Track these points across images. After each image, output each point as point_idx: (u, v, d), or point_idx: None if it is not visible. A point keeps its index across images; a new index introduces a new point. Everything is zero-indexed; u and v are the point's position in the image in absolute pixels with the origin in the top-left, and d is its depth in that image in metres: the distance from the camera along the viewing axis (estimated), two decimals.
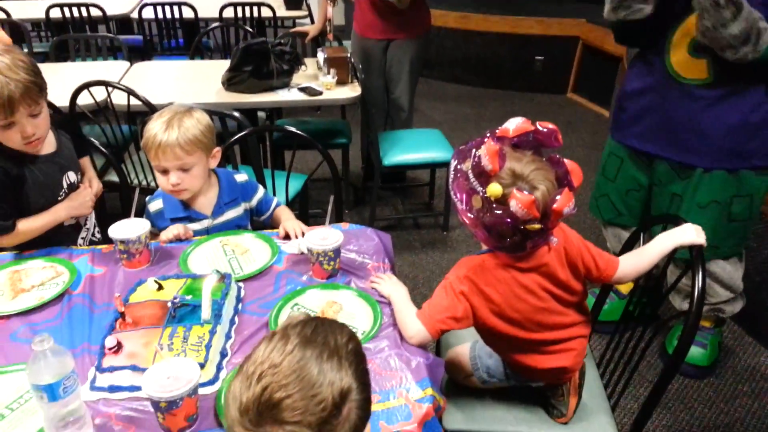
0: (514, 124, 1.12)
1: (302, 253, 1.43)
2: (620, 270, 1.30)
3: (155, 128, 1.45)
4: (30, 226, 1.48)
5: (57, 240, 1.53)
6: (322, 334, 0.76)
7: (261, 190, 1.68)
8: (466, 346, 1.42)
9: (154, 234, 1.54)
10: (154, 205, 1.58)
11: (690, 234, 1.27)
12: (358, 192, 3.25)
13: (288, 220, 1.61)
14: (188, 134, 1.45)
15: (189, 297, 1.19)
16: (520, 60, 4.88)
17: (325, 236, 1.35)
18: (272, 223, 1.69)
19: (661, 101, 1.75)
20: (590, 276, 1.28)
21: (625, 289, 2.23)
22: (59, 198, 1.55)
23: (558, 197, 1.07)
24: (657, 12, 1.63)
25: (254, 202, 1.67)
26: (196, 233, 1.57)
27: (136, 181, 2.42)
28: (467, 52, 5.04)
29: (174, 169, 1.47)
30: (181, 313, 1.16)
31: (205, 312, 1.13)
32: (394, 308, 1.25)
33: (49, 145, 1.52)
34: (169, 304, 1.17)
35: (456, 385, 1.42)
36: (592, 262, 1.27)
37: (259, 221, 1.71)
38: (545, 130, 1.11)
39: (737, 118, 1.65)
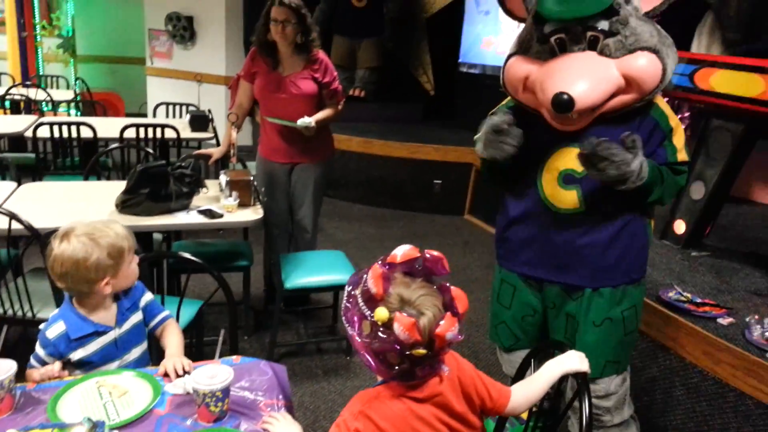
0: (401, 251, 1.16)
1: (188, 393, 1.33)
2: (512, 400, 1.31)
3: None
4: None
5: None
6: None
7: (149, 294, 1.66)
8: None
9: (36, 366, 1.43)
10: (54, 329, 1.47)
11: (574, 362, 1.32)
12: (260, 316, 3.15)
13: (171, 344, 1.56)
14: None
15: None
16: (420, 183, 5.16)
17: (214, 374, 1.28)
18: (159, 339, 1.65)
19: (541, 229, 1.82)
20: (484, 407, 1.28)
21: (524, 413, 2.23)
22: None
23: (441, 322, 1.09)
24: (524, 149, 1.70)
25: (143, 303, 1.63)
26: (106, 347, 1.50)
27: (11, 312, 2.22)
28: (371, 175, 5.27)
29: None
30: None
31: None
32: None
33: None
34: None
35: None
36: (485, 391, 1.28)
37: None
38: (431, 257, 1.16)
39: (610, 239, 1.76)
